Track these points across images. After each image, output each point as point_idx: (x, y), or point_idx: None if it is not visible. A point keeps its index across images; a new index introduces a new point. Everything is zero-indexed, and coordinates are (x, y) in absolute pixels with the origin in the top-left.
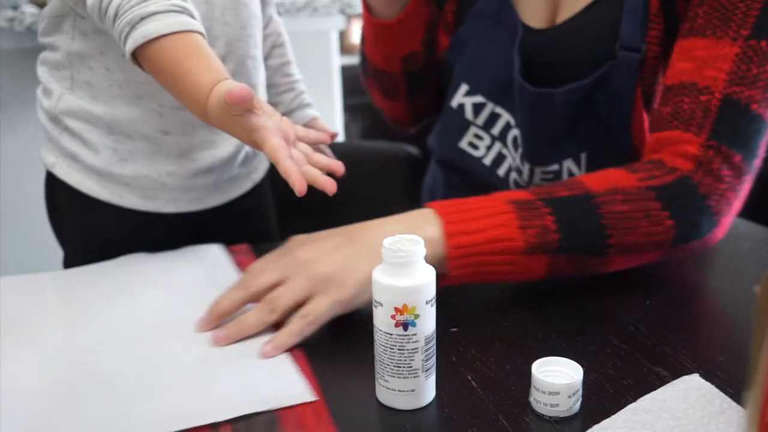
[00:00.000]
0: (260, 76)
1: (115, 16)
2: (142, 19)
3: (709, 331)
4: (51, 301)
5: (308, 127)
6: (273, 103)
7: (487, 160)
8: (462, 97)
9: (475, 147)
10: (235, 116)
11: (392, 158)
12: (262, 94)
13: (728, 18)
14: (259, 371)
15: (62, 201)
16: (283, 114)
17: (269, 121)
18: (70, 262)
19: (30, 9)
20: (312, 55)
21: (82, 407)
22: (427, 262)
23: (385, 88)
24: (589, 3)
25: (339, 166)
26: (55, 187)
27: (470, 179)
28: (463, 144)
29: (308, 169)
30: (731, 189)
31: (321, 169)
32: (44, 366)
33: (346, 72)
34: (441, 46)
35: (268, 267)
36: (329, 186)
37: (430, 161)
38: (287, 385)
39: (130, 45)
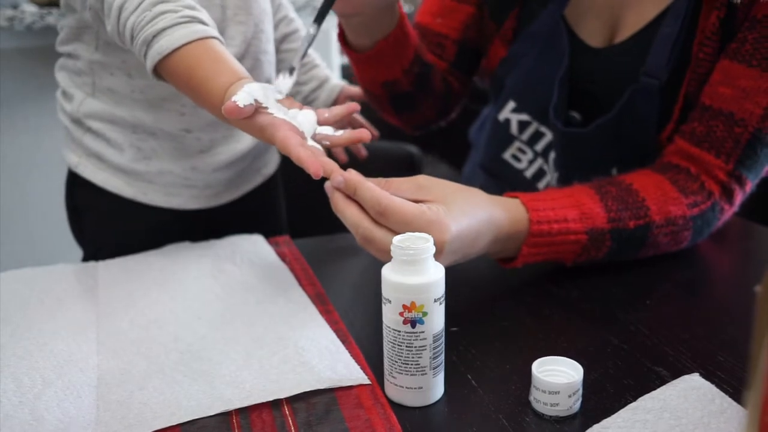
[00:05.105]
0: (273, 69)
1: (132, 38)
2: (154, 37)
3: (709, 331)
4: (102, 289)
5: (342, 95)
6: (305, 81)
7: (528, 174)
8: (509, 113)
9: (518, 159)
10: (246, 118)
11: (393, 158)
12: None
13: None
14: (314, 354)
15: (84, 200)
16: (317, 87)
17: (278, 118)
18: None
19: (30, 8)
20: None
21: (147, 388)
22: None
23: (372, 103)
24: (648, 22)
25: (366, 134)
26: (76, 187)
27: (511, 188)
28: (507, 155)
29: (324, 161)
30: (736, 208)
31: (346, 142)
32: (98, 353)
33: (346, 71)
34: (495, 59)
35: None
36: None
37: (470, 153)
38: (343, 367)
39: (149, 64)
